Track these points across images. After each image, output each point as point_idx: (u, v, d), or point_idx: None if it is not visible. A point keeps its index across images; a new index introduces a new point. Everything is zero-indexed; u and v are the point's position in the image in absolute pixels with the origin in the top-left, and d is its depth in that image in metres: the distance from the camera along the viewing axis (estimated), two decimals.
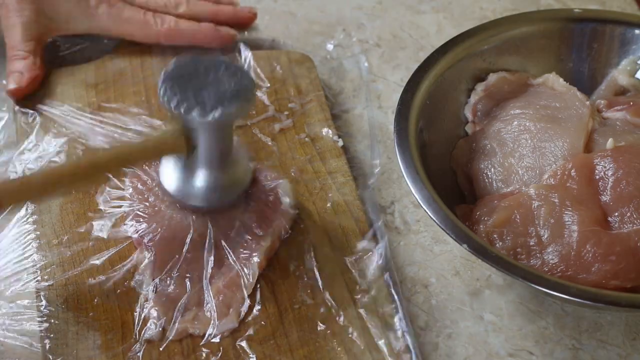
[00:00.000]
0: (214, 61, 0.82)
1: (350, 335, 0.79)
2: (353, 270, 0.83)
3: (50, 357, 0.78)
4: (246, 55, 1.02)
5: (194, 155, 0.83)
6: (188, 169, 0.84)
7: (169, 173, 0.85)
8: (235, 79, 0.81)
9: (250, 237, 0.84)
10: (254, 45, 1.05)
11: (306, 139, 0.95)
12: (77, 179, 0.80)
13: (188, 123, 0.80)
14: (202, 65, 0.82)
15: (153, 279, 0.82)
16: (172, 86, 0.80)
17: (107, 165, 0.81)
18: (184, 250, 0.83)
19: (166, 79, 0.80)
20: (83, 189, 0.87)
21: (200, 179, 0.84)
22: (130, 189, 0.89)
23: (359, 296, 0.82)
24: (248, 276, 0.82)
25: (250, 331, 0.79)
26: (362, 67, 1.04)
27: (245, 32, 1.07)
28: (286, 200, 0.87)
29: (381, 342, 0.79)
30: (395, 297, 0.82)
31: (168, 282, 0.82)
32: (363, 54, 1.06)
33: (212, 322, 0.80)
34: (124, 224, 0.86)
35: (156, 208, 0.86)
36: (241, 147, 0.88)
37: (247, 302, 0.81)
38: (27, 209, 0.88)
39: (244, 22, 1.06)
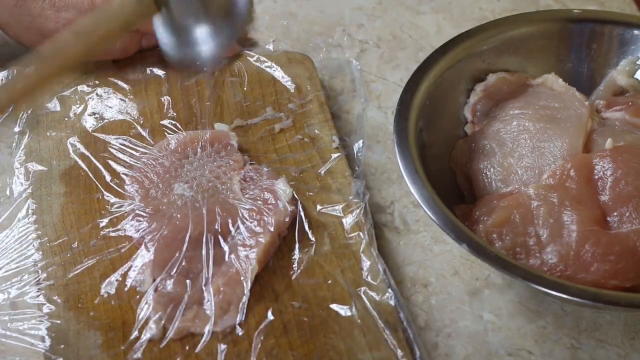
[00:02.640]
0: None
1: (350, 334, 0.79)
2: (353, 270, 0.84)
3: (52, 356, 0.78)
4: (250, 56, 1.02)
5: (169, 11, 0.76)
6: (178, 27, 0.77)
7: (165, 38, 0.78)
8: None
9: (249, 235, 0.84)
10: (254, 46, 1.05)
11: (306, 139, 0.95)
12: (46, 75, 0.74)
13: None
14: None
15: (153, 279, 0.82)
16: None
17: (74, 51, 0.74)
18: (184, 249, 0.84)
19: None
20: (53, 85, 0.79)
21: (194, 30, 0.77)
22: (131, 189, 0.89)
23: (360, 295, 0.82)
24: (247, 273, 0.82)
25: (251, 329, 0.80)
26: (355, 71, 1.04)
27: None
28: (284, 198, 0.87)
29: (382, 341, 0.79)
30: (393, 294, 0.82)
31: (168, 281, 0.82)
32: (356, 60, 1.06)
33: (212, 320, 0.80)
34: (125, 224, 0.86)
35: (156, 208, 0.87)
36: None
37: (247, 299, 0.81)
38: (27, 209, 0.88)
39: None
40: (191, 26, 0.77)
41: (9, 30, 0.98)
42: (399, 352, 0.78)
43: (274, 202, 0.87)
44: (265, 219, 0.85)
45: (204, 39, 0.77)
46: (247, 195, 0.88)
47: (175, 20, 0.77)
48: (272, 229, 0.85)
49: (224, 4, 0.77)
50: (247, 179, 0.90)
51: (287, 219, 0.86)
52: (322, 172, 0.92)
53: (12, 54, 1.04)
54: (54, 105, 0.97)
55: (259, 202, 0.87)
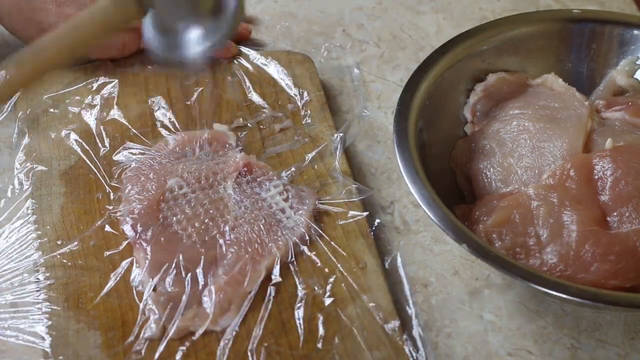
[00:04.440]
0: None
1: (350, 333, 0.79)
2: (354, 268, 0.84)
3: (52, 355, 0.78)
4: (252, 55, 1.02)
5: (156, 12, 0.76)
6: (166, 28, 0.77)
7: (152, 38, 0.78)
8: None
9: (246, 240, 0.85)
10: (254, 46, 1.05)
11: (306, 139, 0.95)
12: (26, 78, 0.74)
13: None
14: None
15: (152, 278, 0.82)
16: None
17: (58, 54, 0.75)
18: (182, 248, 0.84)
19: None
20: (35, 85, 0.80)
21: (181, 32, 0.76)
22: (128, 189, 0.89)
23: (360, 294, 0.82)
24: (249, 273, 0.82)
25: (251, 329, 0.80)
26: (356, 79, 1.04)
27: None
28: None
29: (383, 341, 0.79)
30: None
31: (167, 280, 0.82)
32: (356, 60, 1.06)
33: (212, 319, 0.80)
34: (123, 224, 0.86)
35: (153, 207, 0.87)
36: None
37: (249, 299, 0.81)
38: (27, 209, 0.88)
39: (239, 38, 1.06)
40: (178, 28, 0.76)
41: (8, 22, 0.98)
42: (399, 352, 0.78)
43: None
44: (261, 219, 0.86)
45: (191, 41, 0.76)
46: (243, 195, 0.88)
47: (163, 21, 0.77)
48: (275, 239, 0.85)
49: (212, 7, 0.76)
50: (246, 179, 0.90)
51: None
52: (323, 172, 0.92)
53: (12, 54, 1.04)
54: (54, 105, 0.97)
55: (254, 200, 0.87)
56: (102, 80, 1.00)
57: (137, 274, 0.83)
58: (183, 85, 0.99)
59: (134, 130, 0.95)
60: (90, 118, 0.96)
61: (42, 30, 0.96)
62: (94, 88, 0.99)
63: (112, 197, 0.89)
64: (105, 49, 0.99)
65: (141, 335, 0.79)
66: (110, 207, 0.88)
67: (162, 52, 0.78)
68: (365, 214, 0.88)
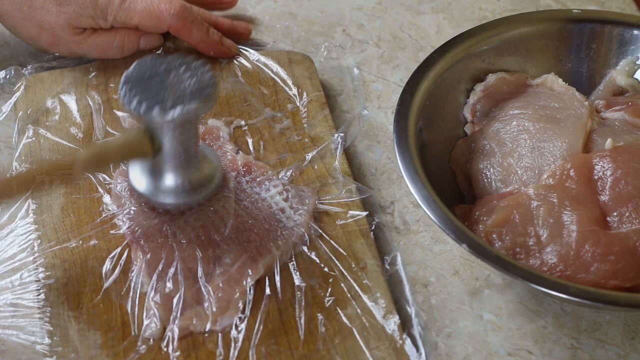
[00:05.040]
0: (174, 60, 0.82)
1: (351, 334, 0.79)
2: (354, 268, 0.84)
3: (52, 356, 0.78)
4: (252, 55, 1.03)
5: (160, 156, 0.82)
6: (156, 169, 0.84)
7: (138, 173, 0.85)
8: (196, 77, 0.81)
9: (255, 236, 0.85)
10: (254, 46, 1.05)
11: (306, 139, 0.95)
12: (36, 189, 0.80)
13: (150, 123, 0.80)
14: (163, 65, 0.81)
15: (151, 278, 0.82)
16: (132, 87, 0.79)
17: (70, 171, 0.80)
18: (181, 249, 0.83)
19: (127, 81, 0.80)
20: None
21: (169, 178, 0.84)
22: (120, 188, 0.89)
23: (361, 294, 0.82)
24: (248, 272, 0.82)
25: (251, 329, 0.80)
26: (356, 80, 1.03)
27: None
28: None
29: (383, 341, 0.79)
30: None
31: (166, 280, 0.82)
32: (356, 60, 1.06)
33: (211, 318, 0.80)
34: (122, 224, 0.86)
35: (149, 206, 0.87)
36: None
37: (248, 298, 0.81)
38: (27, 209, 0.88)
39: (239, 37, 1.07)
40: (166, 175, 0.84)
41: (7, 20, 0.98)
42: (399, 352, 0.78)
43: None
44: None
45: (170, 190, 0.84)
46: (243, 195, 0.88)
47: (154, 166, 0.84)
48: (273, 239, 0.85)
49: (201, 173, 0.85)
50: (245, 179, 0.90)
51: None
52: (323, 172, 0.92)
53: (12, 54, 1.04)
54: (54, 105, 0.97)
55: (253, 200, 0.87)
56: (101, 80, 1.00)
57: (136, 274, 0.83)
58: None
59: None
60: (90, 117, 0.96)
61: (42, 29, 0.97)
62: (94, 88, 0.99)
63: (112, 197, 0.89)
64: (105, 49, 0.99)
65: (141, 335, 0.79)
66: (110, 208, 0.88)
67: (141, 191, 0.85)
68: (364, 213, 0.88)
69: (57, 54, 1.02)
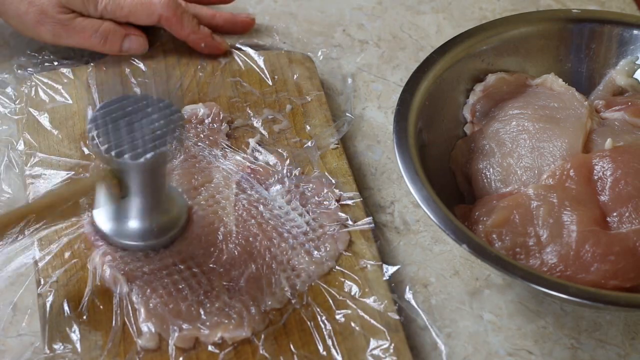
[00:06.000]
0: (141, 99, 0.81)
1: (351, 334, 0.79)
2: (354, 268, 0.84)
3: (52, 356, 0.78)
4: (251, 54, 1.03)
5: (127, 199, 0.81)
6: (122, 210, 0.83)
7: (102, 212, 0.84)
8: (164, 117, 0.80)
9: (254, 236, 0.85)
10: (254, 46, 1.05)
11: (306, 139, 0.95)
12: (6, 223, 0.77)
13: (120, 166, 0.78)
14: (130, 106, 0.80)
15: (149, 285, 0.82)
16: (102, 129, 0.78)
17: (34, 216, 0.77)
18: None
19: (95, 122, 0.79)
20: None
21: (135, 219, 0.83)
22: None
23: (361, 295, 0.82)
24: (248, 272, 0.82)
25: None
26: (348, 89, 1.03)
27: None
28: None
29: (383, 341, 0.79)
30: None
31: (161, 294, 0.81)
32: (356, 60, 1.06)
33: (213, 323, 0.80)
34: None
35: None
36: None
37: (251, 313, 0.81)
38: None
39: (242, 27, 1.06)
40: (131, 220, 0.83)
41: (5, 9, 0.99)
42: (399, 352, 0.78)
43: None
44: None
45: (136, 233, 0.83)
46: (245, 196, 0.88)
47: (122, 210, 0.83)
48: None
49: (167, 218, 0.84)
50: (248, 180, 0.90)
51: None
52: (322, 172, 0.92)
53: (12, 54, 1.04)
54: (53, 105, 0.97)
55: (256, 202, 0.87)
56: (100, 80, 1.00)
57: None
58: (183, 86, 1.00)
59: None
60: (90, 116, 0.96)
61: (31, 4, 0.97)
62: (94, 88, 0.99)
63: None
64: (87, 35, 0.99)
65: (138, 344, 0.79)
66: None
67: (105, 232, 0.83)
68: (368, 219, 0.88)
69: (44, 45, 1.02)
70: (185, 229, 0.85)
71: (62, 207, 0.79)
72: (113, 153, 0.77)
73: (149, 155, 0.77)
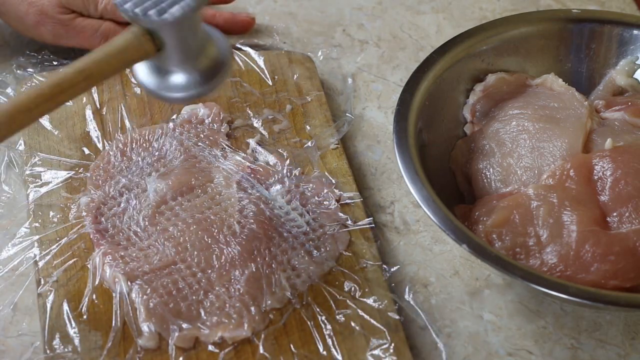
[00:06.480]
0: None
1: (351, 334, 0.79)
2: (354, 268, 0.84)
3: (52, 356, 0.78)
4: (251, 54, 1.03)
5: (164, 55, 0.77)
6: (162, 67, 0.79)
7: (143, 69, 0.79)
8: None
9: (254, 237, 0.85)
10: (254, 46, 1.05)
11: (306, 139, 0.95)
12: (43, 106, 0.74)
13: (149, 24, 0.75)
14: None
15: (149, 284, 0.82)
16: None
17: (73, 84, 0.74)
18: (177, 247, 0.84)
19: None
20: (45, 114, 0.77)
21: (177, 73, 0.78)
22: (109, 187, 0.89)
23: (361, 295, 0.82)
24: (247, 273, 0.82)
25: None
26: (348, 89, 1.03)
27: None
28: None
29: (383, 340, 0.79)
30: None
31: (161, 293, 0.81)
32: (356, 59, 1.06)
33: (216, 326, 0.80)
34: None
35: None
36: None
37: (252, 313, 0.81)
38: (27, 209, 0.88)
39: (242, 27, 1.06)
40: (173, 71, 0.78)
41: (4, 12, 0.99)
42: (399, 352, 0.78)
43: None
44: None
45: (180, 85, 0.78)
46: (245, 196, 0.88)
47: (160, 62, 0.78)
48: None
49: (209, 61, 0.78)
50: (248, 181, 0.90)
51: None
52: (322, 172, 0.92)
53: (12, 54, 1.04)
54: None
55: (256, 201, 0.87)
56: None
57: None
58: None
59: (130, 129, 0.95)
60: (90, 116, 0.96)
61: (31, 5, 0.97)
62: (94, 88, 0.99)
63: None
64: (88, 36, 0.99)
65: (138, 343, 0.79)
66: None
67: (151, 88, 0.79)
68: (368, 219, 0.88)
69: (44, 45, 1.02)
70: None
71: (98, 75, 0.76)
72: (139, 10, 0.74)
73: (174, 10, 0.74)
